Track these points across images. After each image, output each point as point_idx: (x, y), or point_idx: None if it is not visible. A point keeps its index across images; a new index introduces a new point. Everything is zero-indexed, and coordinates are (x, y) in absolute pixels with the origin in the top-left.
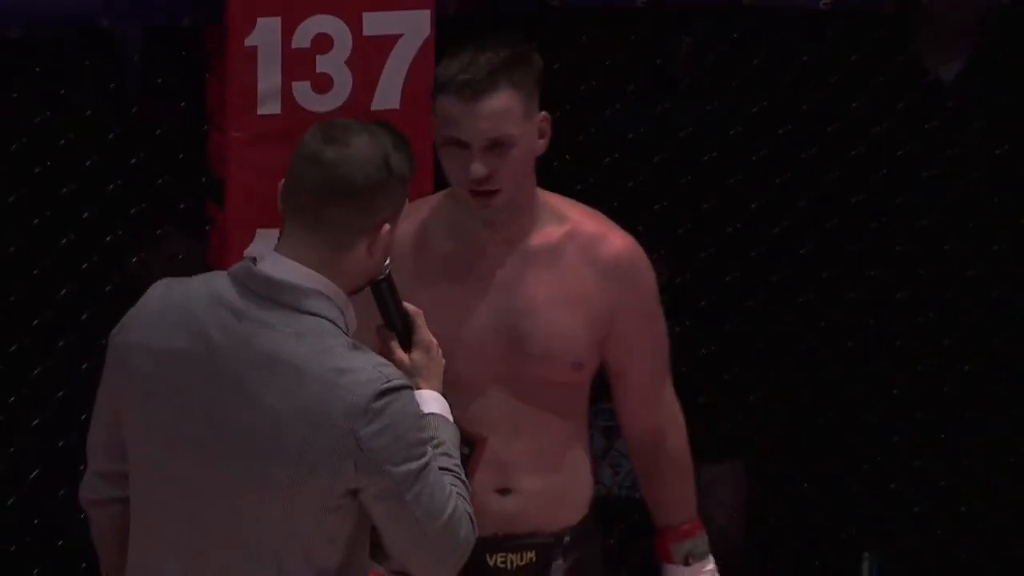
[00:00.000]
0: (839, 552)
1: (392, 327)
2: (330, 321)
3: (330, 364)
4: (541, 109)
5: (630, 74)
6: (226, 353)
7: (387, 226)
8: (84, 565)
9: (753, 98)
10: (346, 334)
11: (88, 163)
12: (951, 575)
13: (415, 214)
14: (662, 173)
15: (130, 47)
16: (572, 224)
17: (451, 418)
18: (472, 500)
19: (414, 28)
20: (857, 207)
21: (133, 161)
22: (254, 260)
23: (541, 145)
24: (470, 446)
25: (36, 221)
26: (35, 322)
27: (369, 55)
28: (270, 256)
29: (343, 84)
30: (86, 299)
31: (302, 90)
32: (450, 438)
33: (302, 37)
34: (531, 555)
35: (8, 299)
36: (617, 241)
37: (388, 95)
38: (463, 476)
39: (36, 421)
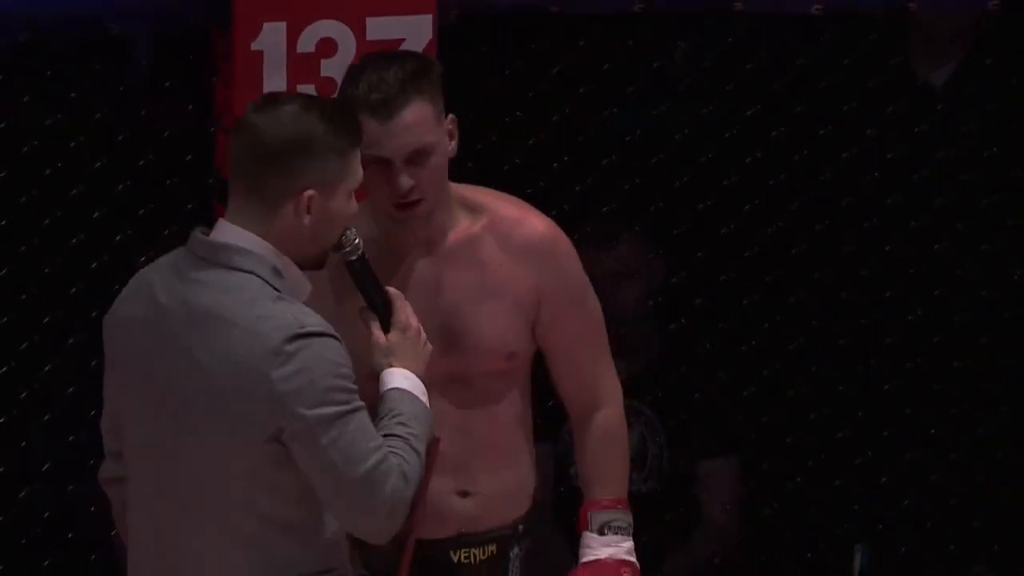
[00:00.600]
0: (831, 545)
1: (373, 309)
2: (259, 277)
3: (252, 313)
4: (449, 112)
5: (627, 77)
6: (169, 314)
7: (311, 192)
8: (93, 558)
9: (748, 101)
10: (277, 290)
11: (97, 165)
12: (941, 568)
13: None
14: (659, 174)
15: (139, 51)
16: (488, 214)
17: (424, 398)
18: (433, 503)
19: (416, 33)
20: (849, 208)
21: (141, 163)
22: (204, 231)
23: (452, 147)
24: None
25: (46, 221)
26: (45, 320)
27: None
28: (218, 223)
29: None
30: (95, 298)
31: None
32: (411, 411)
33: (307, 41)
34: (492, 548)
35: (19, 298)
36: (534, 224)
37: None
38: (417, 446)
39: (46, 417)
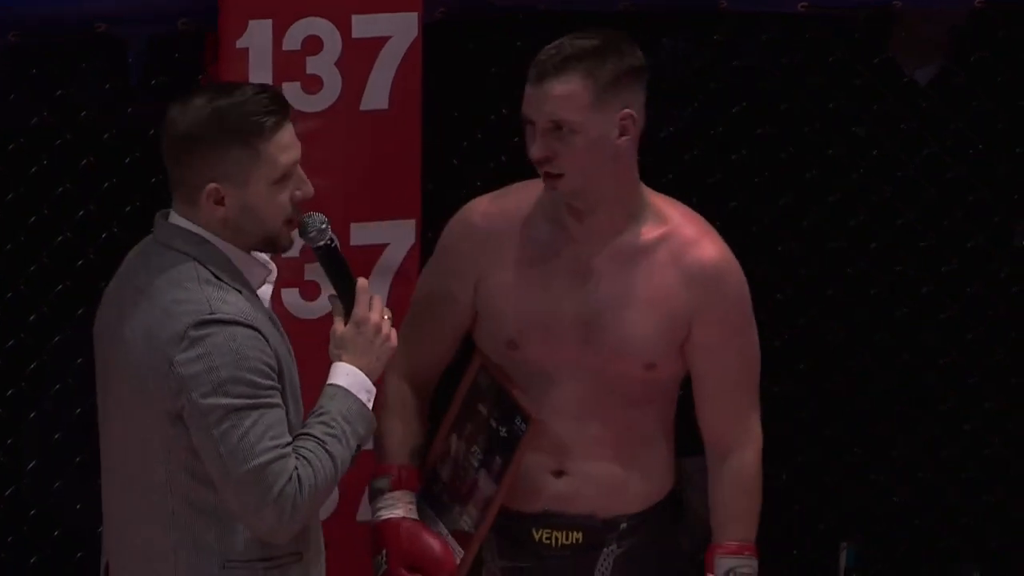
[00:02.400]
0: (817, 542)
1: (341, 298)
2: (196, 260)
3: (173, 295)
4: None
5: None
6: (120, 292)
7: (214, 185)
8: (80, 555)
9: (733, 99)
10: (215, 276)
11: (83, 163)
12: (927, 565)
13: (523, 192)
14: (643, 172)
15: (126, 50)
16: (671, 227)
17: (363, 397)
18: (526, 477)
19: (402, 30)
20: (835, 205)
21: (127, 161)
22: (166, 215)
23: (623, 142)
24: (525, 422)
25: (33, 219)
26: (32, 318)
27: (358, 57)
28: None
29: (333, 85)
30: (82, 295)
31: (292, 91)
32: (340, 409)
33: (292, 39)
34: (577, 535)
35: (6, 295)
36: (710, 248)
37: (377, 96)
38: (332, 448)
39: (33, 414)
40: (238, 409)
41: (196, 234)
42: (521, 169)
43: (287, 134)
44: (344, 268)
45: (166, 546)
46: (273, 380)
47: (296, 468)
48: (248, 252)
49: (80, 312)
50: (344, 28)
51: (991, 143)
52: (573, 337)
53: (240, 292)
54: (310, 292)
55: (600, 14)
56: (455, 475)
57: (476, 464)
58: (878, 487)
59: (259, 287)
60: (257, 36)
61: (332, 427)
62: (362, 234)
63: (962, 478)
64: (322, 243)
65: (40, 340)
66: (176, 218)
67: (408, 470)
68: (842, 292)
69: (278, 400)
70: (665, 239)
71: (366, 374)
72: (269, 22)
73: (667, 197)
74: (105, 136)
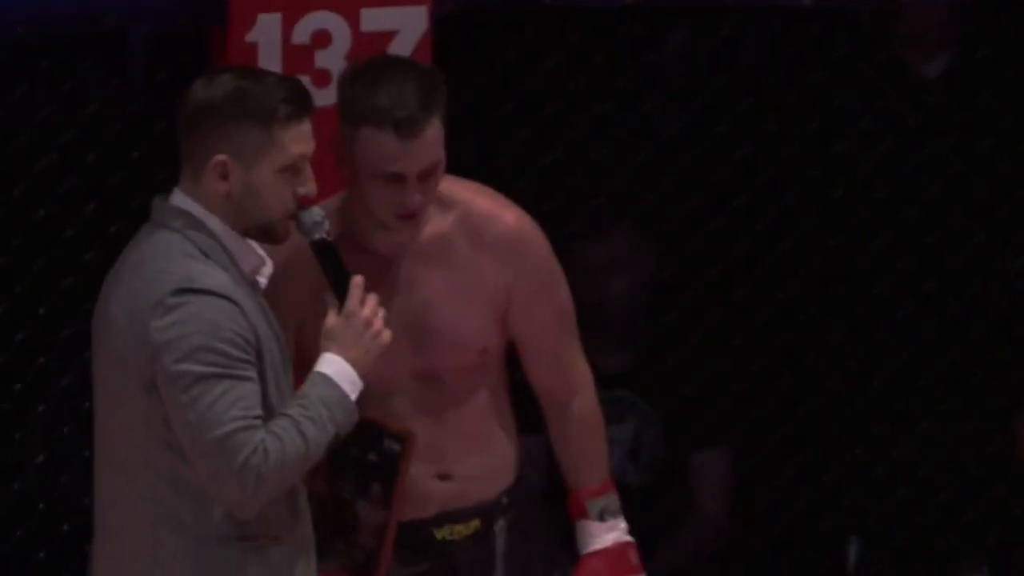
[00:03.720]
0: (825, 537)
1: (336, 293)
2: (178, 233)
3: (157, 266)
4: None
5: (619, 71)
6: (116, 273)
7: (222, 157)
8: (88, 548)
9: (739, 95)
10: (201, 251)
11: (90, 158)
12: (934, 560)
13: (296, 236)
14: (649, 170)
15: (133, 45)
16: (460, 209)
17: (345, 387)
18: (414, 486)
19: (411, 24)
20: (840, 202)
21: (135, 156)
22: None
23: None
24: (400, 442)
25: (40, 213)
26: (40, 312)
27: (367, 50)
28: (173, 189)
29: None
30: (88, 290)
31: None
32: (319, 394)
33: (302, 33)
34: (475, 523)
35: (13, 290)
36: (506, 219)
37: None
38: (306, 429)
39: (41, 409)
40: (208, 377)
41: (189, 212)
42: (528, 164)
43: (304, 128)
44: (339, 263)
45: (146, 523)
46: (248, 355)
47: (264, 440)
48: (243, 236)
49: (86, 307)
50: (353, 22)
51: (999, 139)
52: (407, 348)
53: (226, 271)
54: None
55: (606, 9)
56: (324, 513)
57: (349, 497)
58: (884, 483)
59: (249, 273)
60: (266, 30)
61: (308, 409)
62: None
63: (966, 475)
64: (317, 237)
65: (46, 335)
66: (176, 197)
67: None
68: (846, 290)
69: (252, 374)
70: (459, 223)
71: (352, 366)
72: (278, 16)
73: (448, 177)
74: (111, 132)
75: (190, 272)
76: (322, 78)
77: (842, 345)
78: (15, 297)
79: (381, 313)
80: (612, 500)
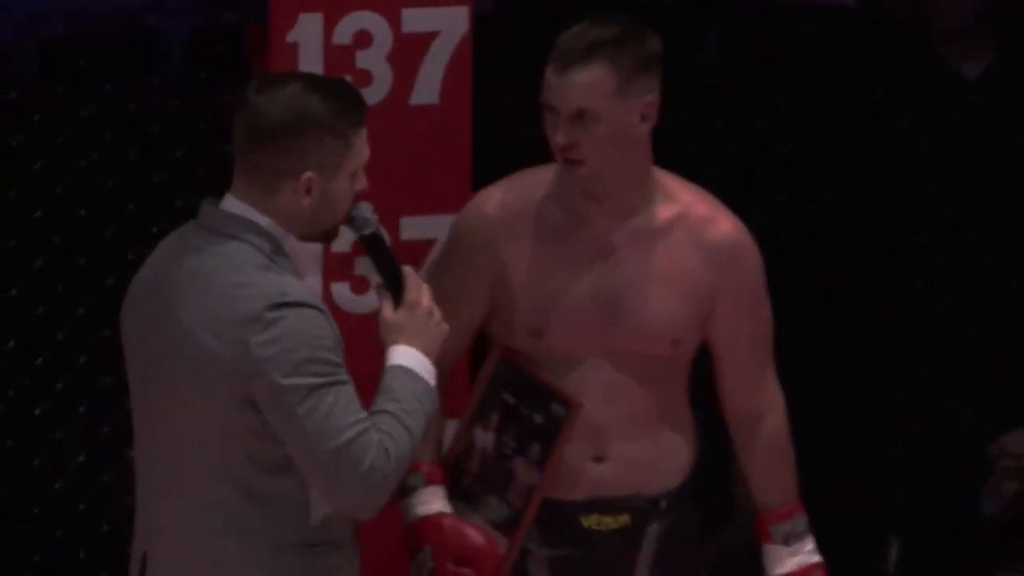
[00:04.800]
0: (866, 537)
1: (388, 286)
2: (251, 245)
3: (235, 279)
4: (650, 93)
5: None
6: (165, 278)
7: (310, 174)
8: (129, 549)
9: (777, 93)
10: (270, 260)
11: (131, 157)
12: (974, 560)
13: (533, 179)
14: (688, 165)
15: (173, 44)
16: (683, 206)
17: (427, 376)
18: (567, 465)
19: (453, 24)
20: (878, 199)
21: (176, 155)
22: (212, 203)
23: (643, 129)
24: (566, 407)
25: (81, 212)
26: (80, 311)
27: (408, 51)
28: (225, 195)
29: (383, 79)
30: None
31: None
32: (408, 388)
33: (342, 33)
34: (625, 518)
35: (55, 290)
36: (725, 225)
37: (427, 90)
38: (408, 422)
39: (81, 409)
40: (318, 388)
41: (250, 220)
42: None
43: (365, 127)
44: (390, 256)
45: (214, 530)
46: (341, 358)
47: (380, 441)
48: (301, 241)
49: None
50: (394, 22)
51: None
52: (598, 319)
53: (296, 279)
54: (360, 286)
55: (646, 7)
56: (485, 466)
57: (509, 453)
58: (925, 482)
59: (304, 276)
60: (307, 30)
61: (403, 403)
62: (412, 228)
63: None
64: (368, 232)
65: (87, 335)
66: (233, 204)
67: (435, 465)
68: (885, 284)
69: (348, 377)
70: (680, 218)
71: (425, 355)
72: (319, 16)
73: (676, 176)
74: (152, 131)
75: (278, 286)
76: (364, 78)
77: (881, 342)
78: (56, 296)
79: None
80: (798, 523)
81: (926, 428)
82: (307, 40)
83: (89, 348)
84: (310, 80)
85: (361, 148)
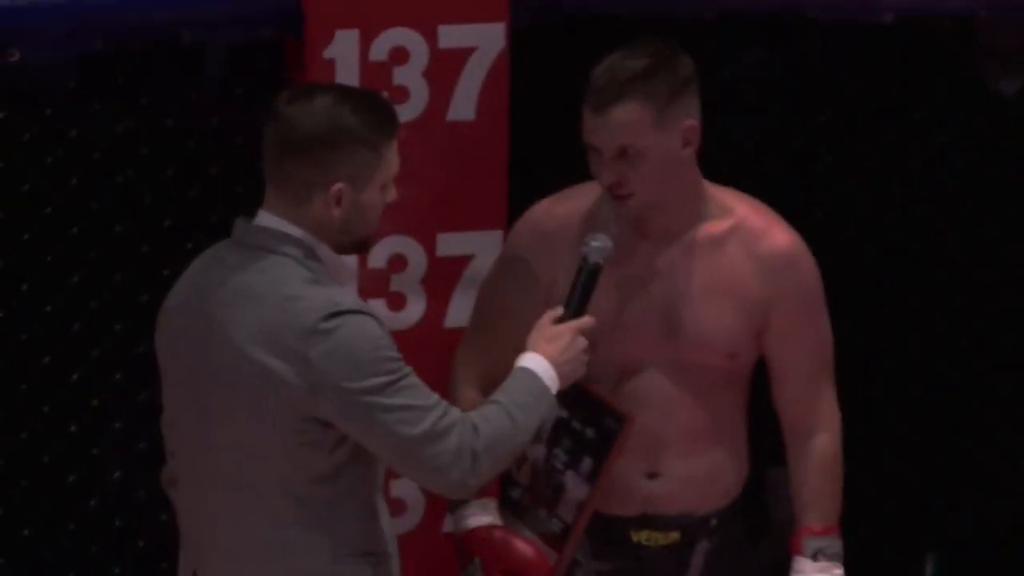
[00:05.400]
0: (902, 552)
1: (567, 305)
2: (292, 259)
3: (285, 293)
4: (689, 117)
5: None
6: (206, 296)
7: (340, 185)
8: (165, 566)
9: (816, 109)
10: (311, 272)
11: (169, 172)
12: None
13: (587, 192)
14: (728, 180)
15: (210, 60)
16: (737, 218)
17: (546, 379)
18: (620, 480)
19: (489, 41)
20: (917, 215)
21: (213, 170)
22: (246, 220)
23: (686, 153)
24: (619, 422)
25: (117, 228)
26: (116, 328)
27: (445, 67)
28: (259, 211)
29: (419, 95)
30: None
31: None
32: (520, 385)
33: (379, 49)
34: (675, 535)
35: (90, 306)
36: (780, 236)
37: (463, 106)
38: (514, 412)
39: (117, 425)
40: (387, 385)
41: (289, 235)
42: None
43: (396, 139)
44: (591, 291)
45: (275, 545)
46: (400, 356)
47: (468, 418)
48: (337, 253)
49: None
50: (431, 38)
51: None
52: (652, 332)
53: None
54: (396, 303)
55: (685, 23)
56: (535, 479)
57: (560, 467)
58: (962, 498)
59: (343, 285)
60: (344, 46)
61: (515, 396)
62: (449, 244)
63: None
64: (596, 262)
65: (123, 351)
66: (266, 218)
67: None
68: (924, 300)
69: (411, 369)
70: (734, 231)
71: (554, 367)
72: (356, 32)
73: (730, 189)
74: (188, 146)
75: (329, 296)
76: (400, 95)
77: (919, 357)
78: (92, 313)
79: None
80: (832, 543)
81: (963, 443)
82: (344, 56)
83: (125, 365)
84: (341, 92)
85: (392, 160)
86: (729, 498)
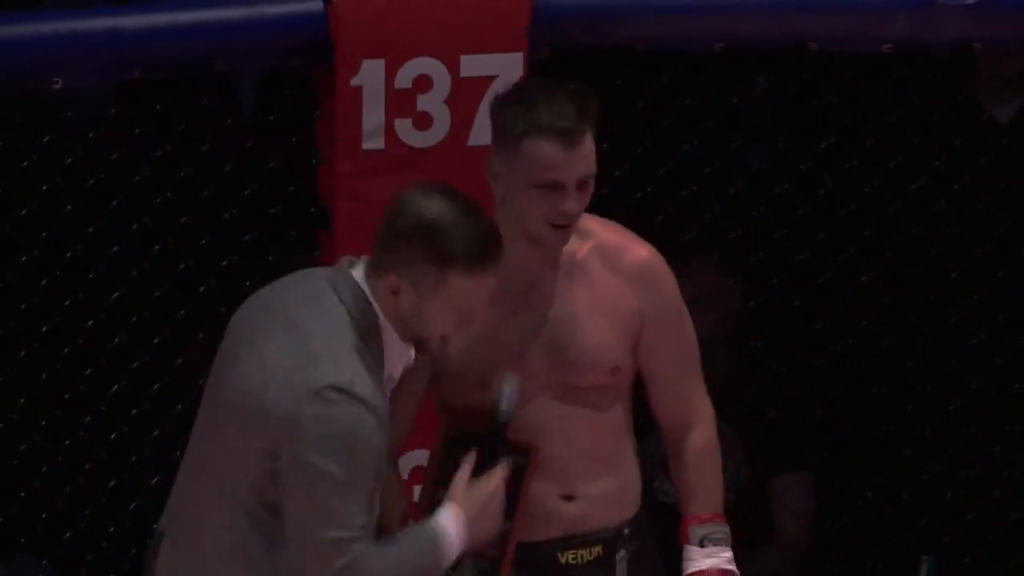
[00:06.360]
0: (898, 557)
1: (484, 451)
2: (352, 320)
3: (322, 348)
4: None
5: (707, 112)
6: (279, 304)
7: (394, 279)
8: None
9: (820, 135)
10: (361, 339)
11: (205, 194)
12: None
13: None
14: (736, 205)
15: (244, 88)
16: (595, 238)
17: (455, 548)
18: (538, 506)
19: (508, 70)
20: (916, 235)
21: (247, 192)
22: (351, 264)
23: None
24: (525, 455)
25: (156, 248)
26: (156, 341)
27: (466, 95)
28: (359, 260)
29: (442, 122)
30: (203, 320)
31: (404, 127)
32: (420, 539)
33: (404, 78)
34: (598, 549)
35: (131, 320)
36: (637, 251)
37: (483, 132)
38: (400, 561)
39: (156, 433)
40: (334, 479)
41: (362, 291)
42: (620, 200)
43: (484, 280)
44: (509, 441)
45: (223, 550)
46: (378, 465)
47: (363, 553)
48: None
49: (200, 336)
50: (453, 67)
51: None
52: (543, 360)
53: (374, 370)
54: (423, 122)
55: (695, 54)
56: None
57: None
58: (957, 503)
59: (388, 373)
60: (371, 75)
61: (409, 547)
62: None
63: None
64: (508, 420)
65: (162, 363)
66: (358, 270)
67: None
68: (923, 318)
69: (374, 484)
70: (594, 251)
71: (468, 534)
72: (382, 62)
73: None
74: (225, 169)
75: (353, 373)
76: (424, 121)
77: (917, 371)
78: (133, 327)
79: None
80: (717, 529)
81: (957, 447)
82: (370, 84)
83: (163, 376)
84: (459, 204)
85: (461, 290)
86: (637, 506)
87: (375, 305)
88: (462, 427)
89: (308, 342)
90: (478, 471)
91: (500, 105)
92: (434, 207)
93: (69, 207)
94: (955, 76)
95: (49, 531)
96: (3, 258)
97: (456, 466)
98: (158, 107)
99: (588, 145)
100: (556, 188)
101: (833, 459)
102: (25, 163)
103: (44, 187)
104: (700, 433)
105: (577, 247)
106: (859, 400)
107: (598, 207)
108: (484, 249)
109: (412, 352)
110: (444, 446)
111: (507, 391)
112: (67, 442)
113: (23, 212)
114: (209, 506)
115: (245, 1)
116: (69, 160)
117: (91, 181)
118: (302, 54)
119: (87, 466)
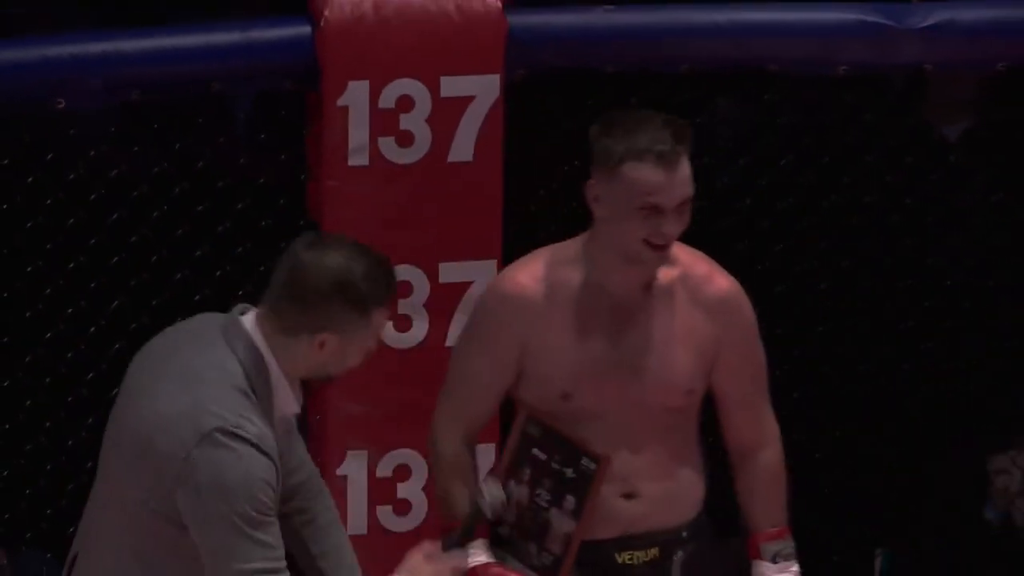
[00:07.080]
0: (852, 549)
1: (455, 537)
2: (243, 369)
3: (211, 392)
4: None
5: None
6: (163, 355)
7: (325, 336)
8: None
9: (781, 153)
10: (252, 389)
11: (201, 208)
12: (961, 573)
13: (542, 259)
14: (702, 218)
15: (238, 108)
16: (682, 267)
17: None
18: (600, 505)
19: (486, 90)
20: (870, 248)
21: (240, 207)
22: (243, 311)
23: None
24: (596, 463)
25: (154, 259)
26: None
27: (446, 114)
28: (257, 314)
29: (423, 139)
30: None
31: (387, 145)
32: None
33: (387, 98)
34: (654, 551)
35: (129, 328)
36: (721, 282)
37: (462, 149)
38: None
39: None
40: (232, 521)
41: (254, 346)
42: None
43: (393, 301)
44: (476, 531)
45: (132, 564)
46: (273, 503)
47: None
48: (294, 380)
49: None
50: (434, 88)
51: (1015, 194)
52: (621, 380)
53: (265, 417)
54: (402, 325)
55: (663, 76)
56: (521, 516)
57: (544, 505)
58: (911, 497)
59: (280, 417)
60: (356, 95)
61: None
62: (449, 272)
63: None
64: (493, 519)
65: None
66: (249, 321)
67: None
68: (876, 325)
69: (274, 519)
70: (681, 279)
71: None
72: (366, 83)
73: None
74: (219, 185)
75: (241, 418)
76: (406, 139)
77: (871, 373)
78: (132, 333)
79: None
80: (787, 545)
81: (912, 441)
82: (356, 104)
83: None
84: (354, 252)
85: (379, 323)
86: (696, 510)
87: (266, 352)
88: (538, 428)
89: (197, 390)
90: (547, 471)
91: (600, 131)
92: (335, 261)
93: (72, 220)
94: (906, 98)
95: (53, 526)
96: (10, 268)
97: (529, 462)
98: (156, 126)
99: (685, 169)
100: (656, 211)
101: (787, 451)
102: (31, 179)
103: (48, 201)
104: (769, 452)
105: (664, 273)
106: (811, 398)
107: (576, 222)
108: (389, 280)
109: (295, 405)
110: (519, 442)
111: (488, 500)
112: (70, 442)
113: (29, 225)
114: (115, 526)
115: (239, 26)
116: (72, 176)
117: (93, 196)
118: (292, 76)
119: (88, 465)
